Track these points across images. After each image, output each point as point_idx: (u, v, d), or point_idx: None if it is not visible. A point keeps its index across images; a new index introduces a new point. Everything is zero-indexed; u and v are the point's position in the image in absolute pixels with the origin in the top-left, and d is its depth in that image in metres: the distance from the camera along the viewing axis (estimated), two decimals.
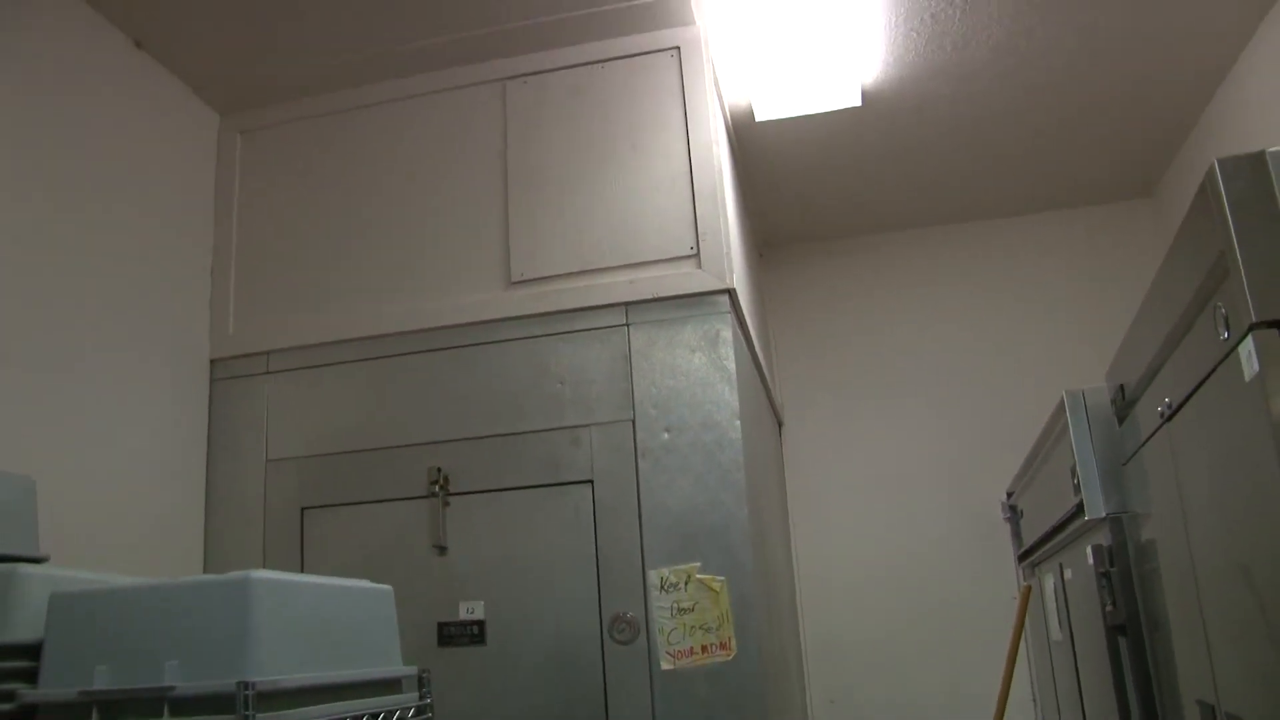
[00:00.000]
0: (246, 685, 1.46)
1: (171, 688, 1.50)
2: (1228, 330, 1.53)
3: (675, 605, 2.81)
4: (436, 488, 3.05)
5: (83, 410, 2.82)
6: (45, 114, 2.82)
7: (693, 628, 2.78)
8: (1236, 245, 1.44)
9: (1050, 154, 4.35)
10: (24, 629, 1.64)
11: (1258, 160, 1.46)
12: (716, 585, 2.80)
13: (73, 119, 2.92)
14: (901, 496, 4.67)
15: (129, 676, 1.53)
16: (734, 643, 2.75)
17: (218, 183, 3.55)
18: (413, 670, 1.99)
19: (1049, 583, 3.46)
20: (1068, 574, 3.11)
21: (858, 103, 3.77)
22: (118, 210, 3.05)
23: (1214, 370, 1.64)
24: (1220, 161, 1.48)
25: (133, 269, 3.08)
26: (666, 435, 2.95)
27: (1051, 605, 3.43)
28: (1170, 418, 1.97)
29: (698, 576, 2.81)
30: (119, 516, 2.88)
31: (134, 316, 3.06)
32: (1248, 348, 1.45)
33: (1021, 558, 4.08)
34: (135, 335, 3.06)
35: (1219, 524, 1.77)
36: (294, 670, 1.58)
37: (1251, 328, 1.43)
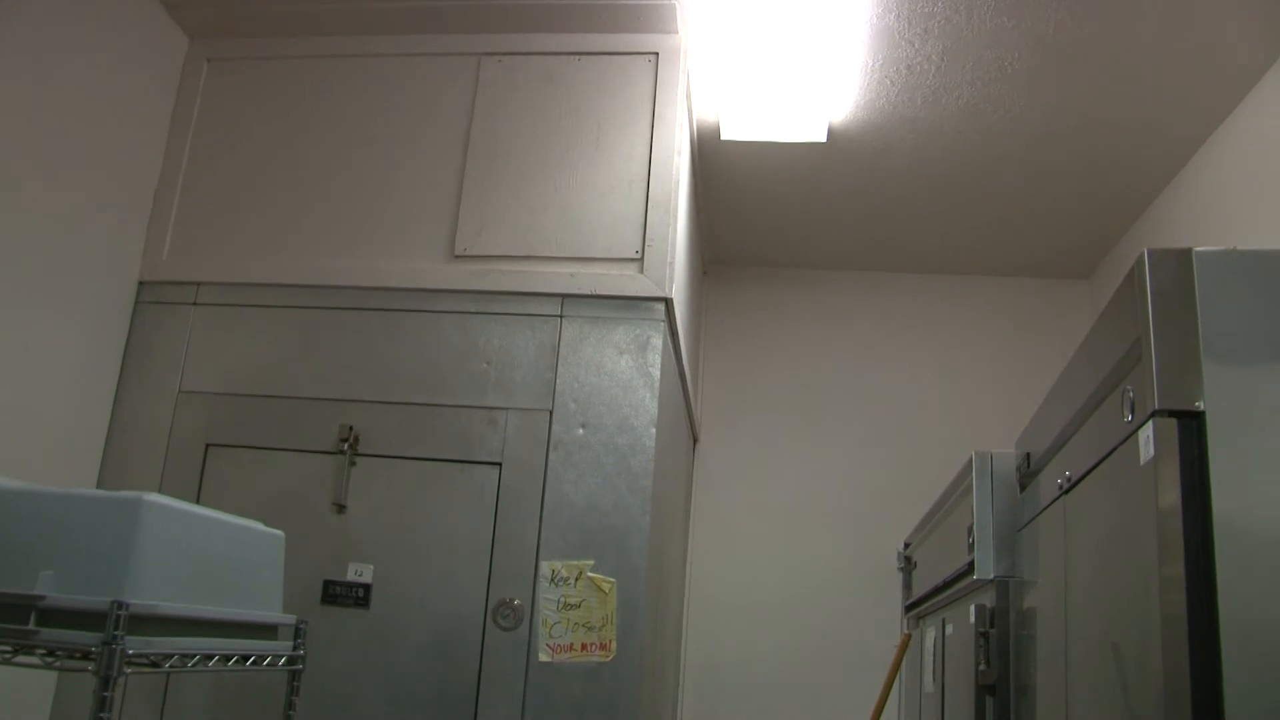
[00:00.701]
0: (120, 605, 1.44)
1: (42, 597, 1.48)
2: (1132, 414, 1.58)
3: (563, 599, 2.82)
4: (345, 445, 3.04)
5: None
6: (6, 11, 2.76)
7: (576, 624, 2.79)
8: (1152, 334, 1.49)
9: (1000, 221, 4.44)
10: None
11: (1183, 257, 1.51)
12: (606, 586, 2.81)
13: (35, 19, 2.85)
14: (803, 530, 4.72)
15: (1, 579, 1.51)
16: (614, 645, 2.77)
17: (177, 107, 3.50)
18: (291, 619, 1.98)
19: (930, 636, 3.53)
20: (949, 629, 3.17)
21: (823, 139, 3.82)
22: (69, 117, 2.99)
23: (1114, 450, 1.69)
24: (1149, 252, 1.53)
25: (76, 177, 3.02)
26: (581, 431, 2.97)
27: (929, 658, 3.50)
28: (1067, 491, 2.03)
29: (589, 574, 2.83)
30: (17, 423, 2.83)
31: (69, 225, 3.00)
32: (1147, 433, 1.50)
33: (909, 608, 4.15)
34: (67, 244, 3.00)
35: (1096, 600, 1.82)
36: (172, 598, 1.57)
37: (1153, 414, 1.48)
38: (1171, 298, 1.51)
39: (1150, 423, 1.49)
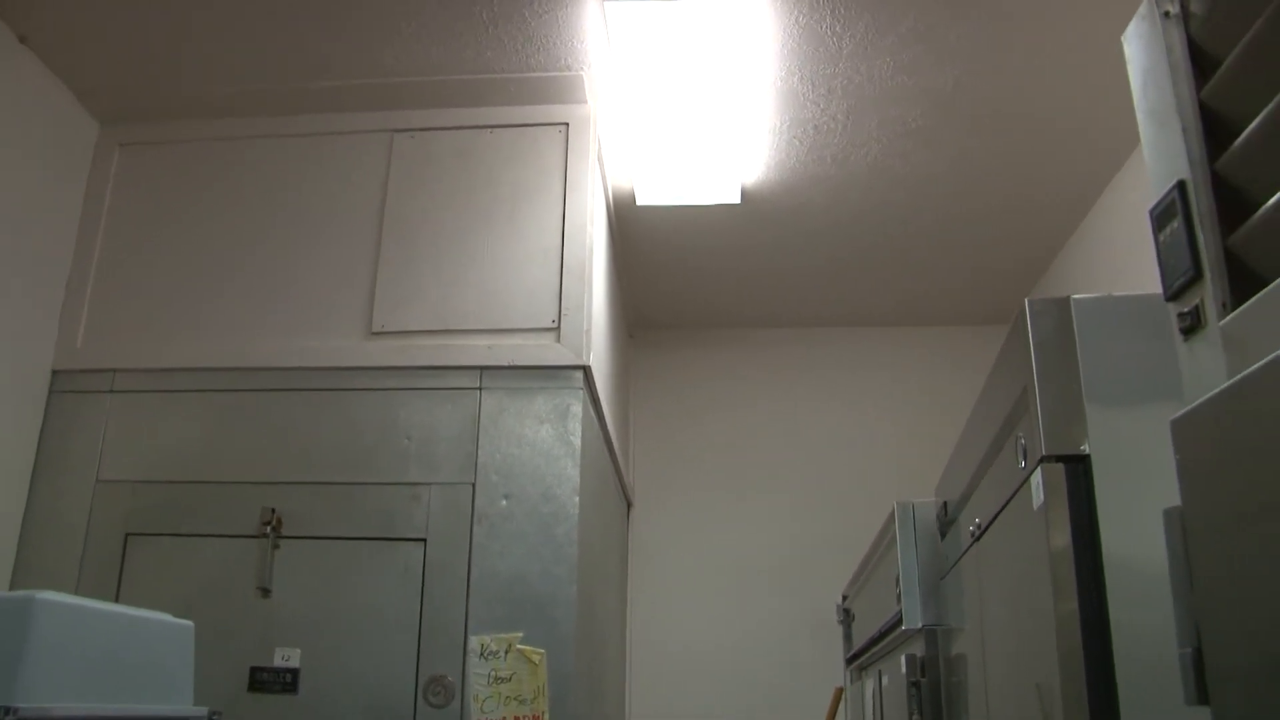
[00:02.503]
0: (8, 710, 1.41)
1: None
2: (1025, 460, 1.61)
3: (493, 673, 2.79)
4: (268, 529, 3.00)
5: None
6: None
7: (508, 698, 2.76)
8: (1036, 382, 1.53)
9: (919, 271, 4.52)
10: None
11: (1063, 305, 1.55)
12: (536, 658, 2.79)
13: None
14: (743, 587, 4.72)
15: None
16: (547, 717, 2.74)
17: (88, 193, 3.48)
18: (203, 711, 1.94)
19: (869, 687, 3.53)
20: (885, 680, 3.18)
21: (737, 200, 3.88)
22: None
23: (1012, 497, 1.72)
24: (1030, 302, 1.57)
25: None
26: (505, 502, 2.96)
27: (869, 710, 3.49)
28: (979, 538, 2.05)
29: (518, 646, 2.81)
30: None
31: None
32: (1037, 479, 1.53)
33: (850, 660, 4.15)
34: None
35: (1007, 643, 1.84)
36: (70, 699, 1.53)
37: (1041, 460, 1.51)
38: (1053, 345, 1.54)
39: (1039, 469, 1.52)
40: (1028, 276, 4.56)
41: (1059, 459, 1.49)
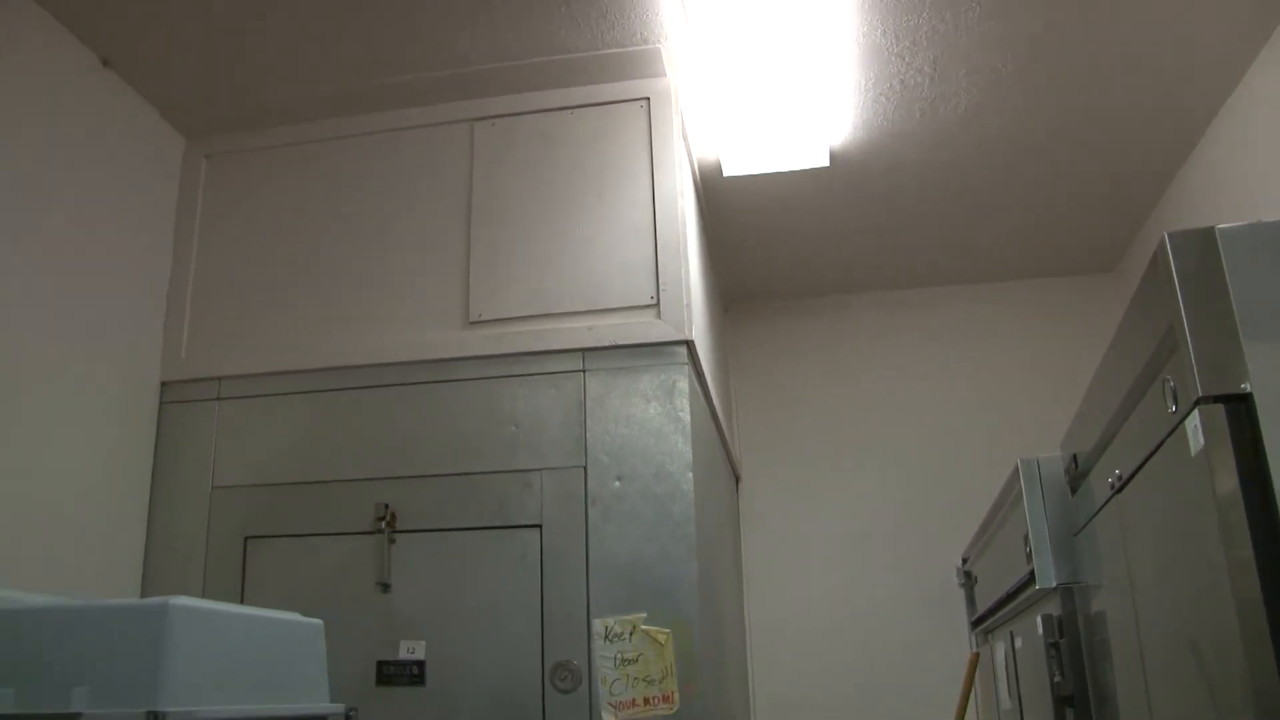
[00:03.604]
0: (156, 715, 1.41)
1: (78, 714, 1.45)
2: (1175, 404, 1.53)
3: (619, 656, 2.77)
4: (383, 524, 3.01)
5: (27, 426, 2.77)
6: (8, 128, 2.79)
7: (636, 679, 2.74)
8: (1185, 319, 1.45)
9: (1016, 224, 4.40)
10: None
11: (1207, 236, 1.47)
12: (661, 637, 2.76)
13: (36, 134, 2.89)
14: (858, 557, 4.65)
15: (37, 699, 1.48)
16: (677, 696, 2.72)
17: (180, 206, 3.52)
18: (339, 708, 1.94)
19: (1000, 650, 3.45)
20: (1018, 642, 3.10)
21: (826, 163, 3.79)
22: (77, 228, 3.01)
23: (1162, 443, 1.64)
24: (1170, 235, 1.49)
25: (89, 287, 3.04)
26: (618, 484, 2.93)
27: (1002, 673, 3.42)
28: (1120, 489, 1.97)
29: (643, 627, 2.78)
30: (57, 537, 2.82)
31: (87, 334, 3.02)
32: (1194, 422, 1.45)
33: (975, 624, 4.07)
34: (87, 353, 3.01)
35: (1164, 597, 1.76)
36: (209, 702, 1.54)
37: (1198, 402, 1.43)
38: (1200, 279, 1.46)
39: (1195, 411, 1.44)
40: (1130, 224, 4.41)
41: (1217, 399, 1.41)
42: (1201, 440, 1.43)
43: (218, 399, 3.28)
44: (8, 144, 2.79)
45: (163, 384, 3.33)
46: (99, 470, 3.04)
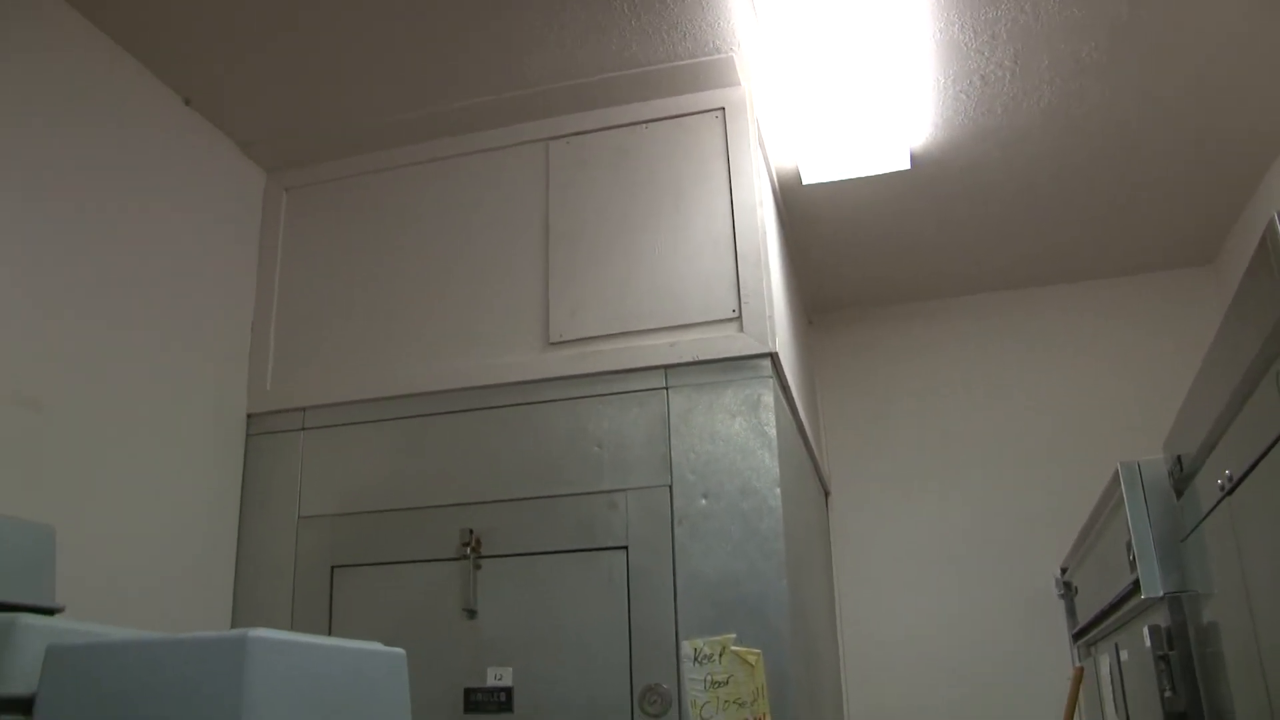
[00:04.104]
0: None
1: None
2: None
3: (709, 678, 2.70)
4: (468, 550, 2.99)
5: (120, 461, 2.81)
6: (97, 170, 2.85)
7: (727, 702, 2.67)
8: None
9: (1105, 219, 4.26)
10: (20, 681, 1.58)
11: None
12: (752, 658, 2.69)
13: (123, 175, 2.94)
14: (953, 570, 4.53)
15: None
16: (769, 718, 2.64)
17: (262, 239, 3.56)
18: None
19: (1105, 664, 3.32)
20: (1124, 655, 2.97)
21: (907, 165, 3.71)
22: (162, 264, 3.06)
23: (1277, 440, 1.53)
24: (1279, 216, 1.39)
25: (176, 322, 3.08)
26: (704, 501, 2.87)
27: (1107, 689, 3.28)
28: (1231, 491, 1.86)
29: (733, 648, 2.71)
30: (150, 570, 2.85)
31: (175, 369, 3.06)
32: None
33: (1076, 636, 3.93)
34: (176, 388, 3.05)
35: None
36: None
37: None
38: None
39: None
40: (1227, 213, 4.24)
41: None
42: None
43: (303, 429, 3.30)
44: (97, 185, 2.84)
45: (249, 416, 3.36)
46: (189, 504, 3.07)
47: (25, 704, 1.57)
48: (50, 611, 1.89)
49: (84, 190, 2.79)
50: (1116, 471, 2.61)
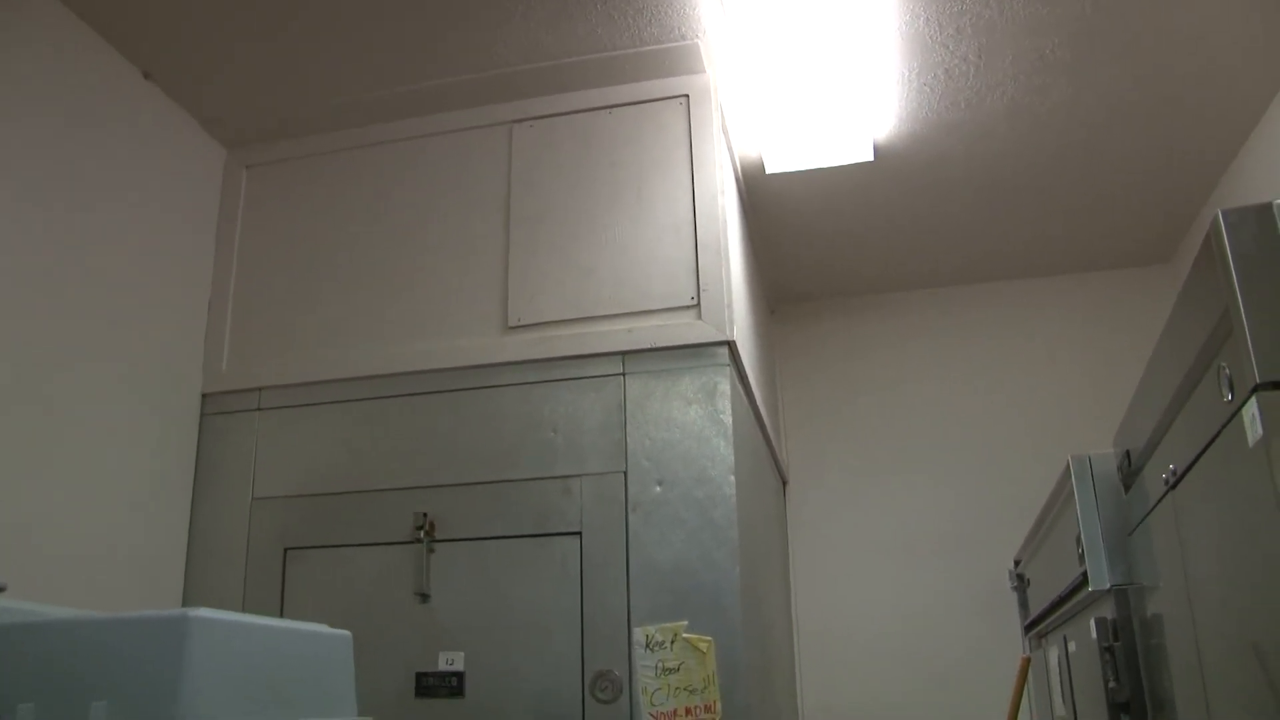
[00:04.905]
0: None
1: None
2: (1231, 392, 1.45)
3: (660, 665, 2.71)
4: (422, 533, 2.97)
5: (71, 439, 2.77)
6: (50, 142, 2.80)
7: (677, 689, 2.68)
8: (1240, 301, 1.36)
9: (1066, 216, 4.28)
10: None
11: (1264, 213, 1.38)
12: (704, 645, 2.70)
13: (78, 148, 2.90)
14: (909, 561, 4.55)
15: (55, 714, 1.46)
16: (719, 706, 2.65)
17: (220, 217, 3.52)
18: None
19: (1053, 655, 3.35)
20: (1071, 646, 3.00)
21: (870, 157, 3.71)
22: (119, 241, 3.02)
23: (1218, 435, 1.55)
24: (1224, 213, 1.41)
25: (131, 299, 3.05)
26: (659, 489, 2.87)
27: (1055, 679, 3.31)
28: (1174, 485, 1.88)
29: (684, 635, 2.71)
30: (99, 549, 2.82)
31: (129, 347, 3.02)
32: (1251, 410, 1.37)
33: (1028, 628, 3.96)
34: (129, 365, 3.02)
35: (1224, 598, 1.67)
36: (231, 716, 1.50)
37: (1255, 389, 1.34)
38: (1256, 259, 1.38)
39: (1253, 399, 1.36)
40: (1185, 212, 4.27)
41: (1277, 385, 1.32)
42: (1260, 430, 1.35)
43: (258, 409, 3.28)
44: (52, 159, 2.80)
45: (204, 395, 3.33)
46: (142, 482, 3.04)
47: None
48: None
49: (37, 164, 2.75)
50: (1068, 465, 2.63)
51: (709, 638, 2.70)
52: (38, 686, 1.48)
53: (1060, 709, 3.22)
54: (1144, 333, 4.36)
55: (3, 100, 2.67)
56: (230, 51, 3.15)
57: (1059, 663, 3.20)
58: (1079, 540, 2.55)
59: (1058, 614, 3.16)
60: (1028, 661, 3.64)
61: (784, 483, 4.72)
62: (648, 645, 2.73)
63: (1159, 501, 2.03)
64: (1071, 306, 4.76)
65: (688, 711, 2.66)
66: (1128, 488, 2.37)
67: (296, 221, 3.47)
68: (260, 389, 3.29)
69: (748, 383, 3.31)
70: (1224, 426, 1.51)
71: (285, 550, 3.10)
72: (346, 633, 1.90)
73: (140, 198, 3.14)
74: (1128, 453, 2.30)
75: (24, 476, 2.60)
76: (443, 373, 3.13)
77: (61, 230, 2.81)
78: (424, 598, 2.94)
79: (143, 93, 3.21)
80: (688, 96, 3.23)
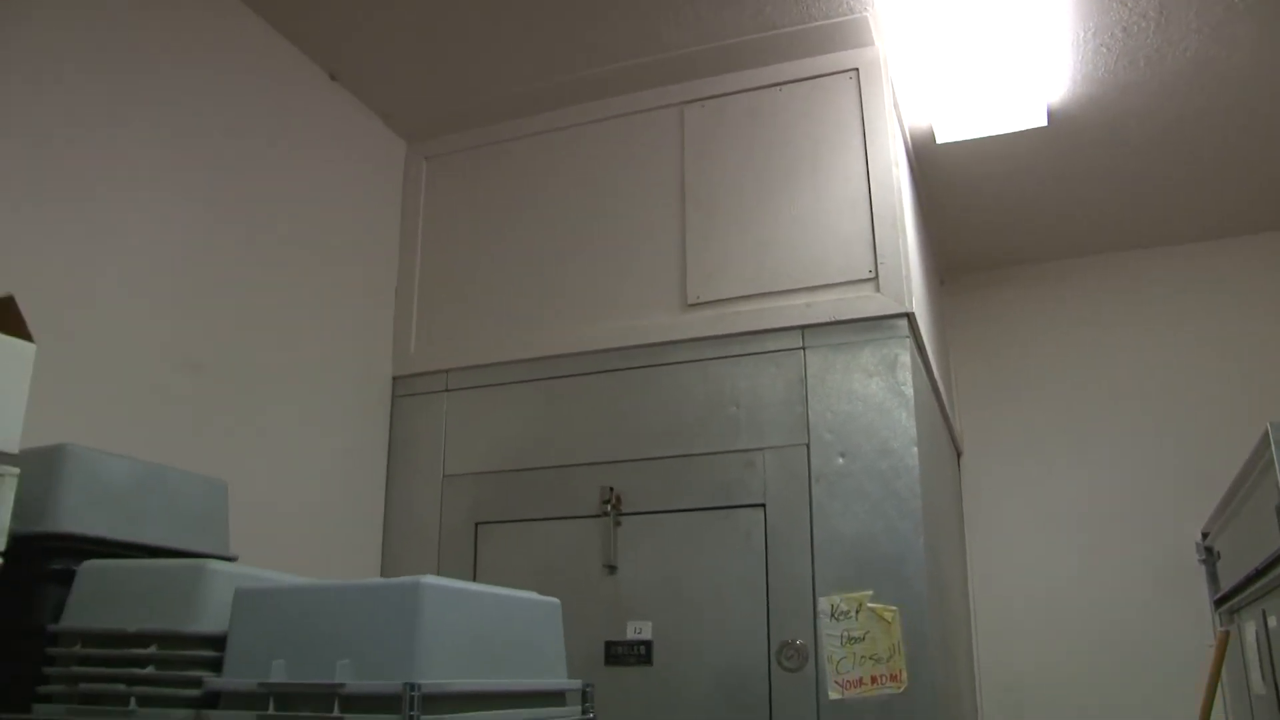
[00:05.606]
0: (413, 687, 1.48)
1: (342, 685, 1.53)
2: None
3: (845, 634, 2.74)
4: (608, 507, 3.06)
5: (275, 422, 2.95)
6: (247, 143, 2.98)
7: (863, 658, 2.71)
8: None
9: (1256, 172, 4.11)
10: (210, 621, 1.70)
11: None
12: (889, 615, 2.72)
13: (272, 148, 3.08)
14: (1088, 534, 4.47)
15: (304, 671, 1.57)
16: (905, 675, 2.67)
17: (404, 207, 3.68)
18: (577, 684, 1.99)
19: (1250, 630, 3.25)
20: (1272, 621, 2.91)
21: (1044, 123, 3.64)
22: (311, 234, 3.19)
23: None
24: None
25: (324, 289, 3.22)
26: (841, 460, 2.89)
27: (1253, 655, 3.22)
28: None
29: (869, 605, 2.74)
30: (304, 524, 3.00)
31: (324, 335, 3.19)
32: None
33: (1219, 603, 3.85)
34: (325, 352, 3.19)
35: None
36: (459, 675, 1.60)
37: None
38: None
39: None
40: None
41: None
42: None
43: (446, 390, 3.41)
44: (250, 159, 2.98)
45: (394, 379, 3.49)
46: (339, 463, 3.21)
47: (217, 641, 1.69)
48: (229, 559, 2.02)
49: (238, 164, 2.93)
50: (1266, 432, 2.56)
51: (894, 607, 2.72)
52: (288, 645, 1.61)
53: (1259, 686, 3.13)
54: None
55: (206, 109, 2.85)
56: (408, 49, 3.29)
57: (1258, 638, 3.11)
58: (1279, 509, 2.48)
59: (1255, 587, 3.06)
60: (1227, 636, 3.54)
61: (959, 453, 4.68)
62: (833, 615, 2.76)
63: None
64: (1261, 267, 4.57)
65: (874, 680, 2.68)
66: None
67: (476, 209, 3.60)
68: (448, 371, 3.42)
69: (925, 354, 3.31)
70: None
71: (476, 525, 3.23)
72: (555, 600, 1.99)
73: (330, 192, 3.31)
74: None
75: (235, 456, 2.77)
76: (624, 351, 3.22)
77: (259, 226, 2.98)
78: (611, 569, 3.03)
79: (329, 93, 3.38)
80: (858, 70, 3.23)
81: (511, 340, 3.38)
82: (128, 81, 2.59)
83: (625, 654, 2.96)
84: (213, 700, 1.66)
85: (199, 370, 2.69)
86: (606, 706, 2.85)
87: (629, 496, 3.07)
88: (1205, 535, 4.08)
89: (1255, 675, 3.19)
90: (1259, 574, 2.92)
